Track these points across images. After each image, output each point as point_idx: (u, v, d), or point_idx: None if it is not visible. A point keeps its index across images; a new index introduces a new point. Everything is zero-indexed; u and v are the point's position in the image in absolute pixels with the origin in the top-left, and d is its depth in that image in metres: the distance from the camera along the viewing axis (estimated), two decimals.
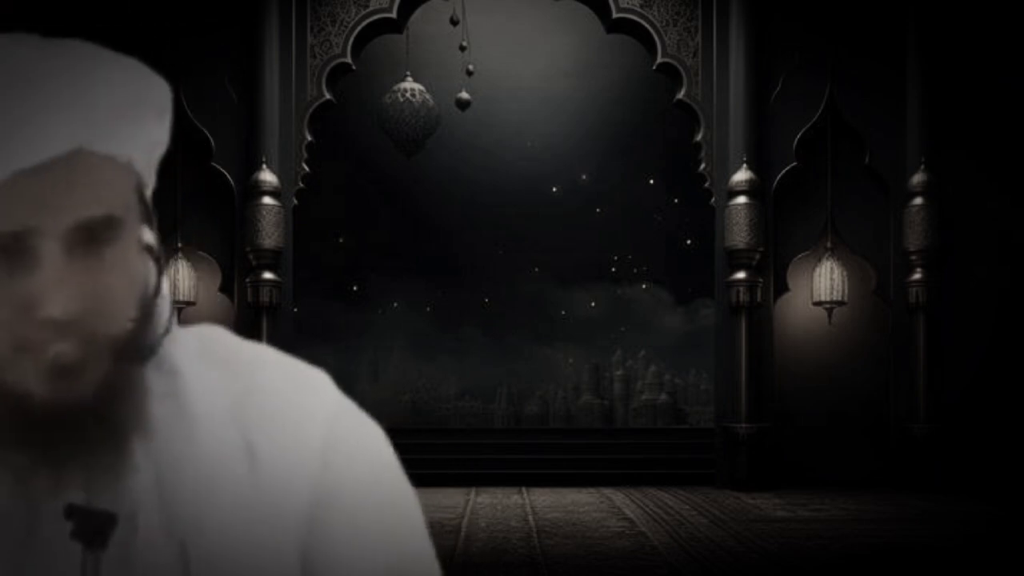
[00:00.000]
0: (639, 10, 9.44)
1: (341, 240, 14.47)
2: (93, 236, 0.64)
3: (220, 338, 0.77)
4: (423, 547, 0.77)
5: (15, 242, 0.62)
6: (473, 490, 9.29)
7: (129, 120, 0.66)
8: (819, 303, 9.34)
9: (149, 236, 0.71)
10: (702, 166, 9.50)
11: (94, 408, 0.65)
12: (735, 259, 9.16)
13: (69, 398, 0.64)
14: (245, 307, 9.13)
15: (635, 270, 14.87)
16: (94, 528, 0.64)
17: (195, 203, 9.27)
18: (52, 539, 0.65)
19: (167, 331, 0.71)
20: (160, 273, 0.72)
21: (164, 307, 0.72)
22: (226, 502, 0.68)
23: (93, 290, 0.64)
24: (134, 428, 0.67)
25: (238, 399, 0.72)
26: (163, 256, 0.72)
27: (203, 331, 0.77)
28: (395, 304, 14.66)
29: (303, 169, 9.37)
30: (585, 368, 14.40)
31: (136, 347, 0.67)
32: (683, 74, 9.43)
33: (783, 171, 9.30)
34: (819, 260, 9.36)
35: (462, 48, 9.56)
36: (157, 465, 0.68)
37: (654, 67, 9.60)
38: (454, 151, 13.07)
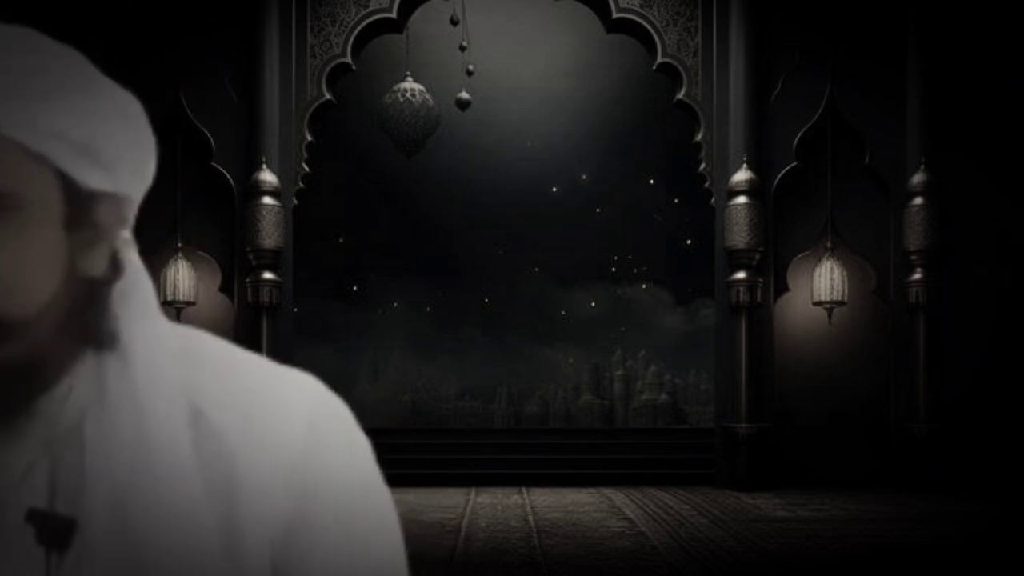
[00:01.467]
0: (639, 10, 9.44)
1: (341, 240, 14.47)
2: None
3: (205, 341, 0.77)
4: (398, 558, 0.77)
5: None
6: (473, 490, 9.29)
7: (49, 112, 0.66)
8: (819, 303, 9.34)
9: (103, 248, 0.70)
10: (702, 166, 9.50)
11: None
12: (735, 259, 9.16)
13: None
14: (245, 307, 9.13)
15: (635, 270, 14.87)
16: (54, 532, 0.63)
17: (195, 203, 9.27)
18: (14, 539, 0.65)
19: (109, 341, 0.71)
20: (114, 277, 0.72)
21: (112, 312, 0.71)
22: (186, 509, 0.68)
23: None
24: (27, 420, 0.67)
25: (215, 400, 0.72)
26: (121, 267, 0.72)
27: (190, 333, 0.77)
28: (395, 304, 14.66)
29: (303, 169, 9.37)
30: (585, 368, 14.40)
31: (32, 340, 0.66)
32: (683, 74, 9.43)
33: (783, 171, 9.31)
34: (819, 260, 9.36)
35: (462, 48, 9.56)
36: (110, 470, 0.67)
37: (654, 67, 9.60)
38: (454, 151, 13.07)
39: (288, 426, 0.73)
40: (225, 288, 9.36)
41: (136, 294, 0.73)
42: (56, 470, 0.67)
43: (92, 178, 0.69)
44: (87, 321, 0.70)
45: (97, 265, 0.70)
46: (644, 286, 14.85)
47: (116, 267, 0.72)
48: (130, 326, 0.72)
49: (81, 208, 0.69)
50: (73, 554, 0.65)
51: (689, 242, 13.96)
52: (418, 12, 9.69)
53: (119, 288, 0.72)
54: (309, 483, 0.72)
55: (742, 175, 9.08)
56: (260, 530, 0.70)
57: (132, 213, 0.73)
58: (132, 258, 0.73)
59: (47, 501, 0.66)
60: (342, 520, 0.73)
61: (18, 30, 0.67)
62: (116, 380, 0.70)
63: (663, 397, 14.03)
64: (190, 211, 9.27)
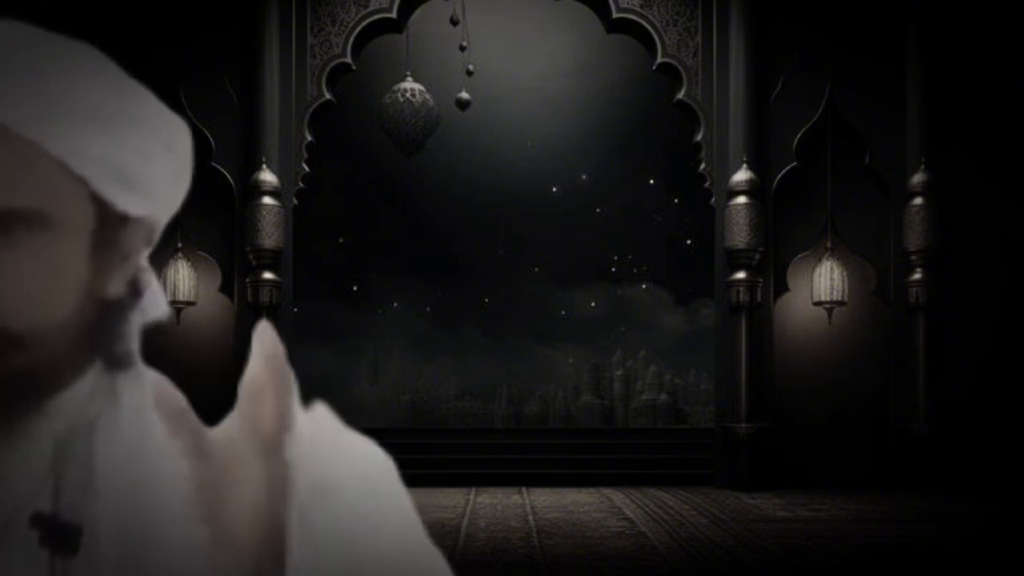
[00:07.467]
0: (639, 10, 9.44)
1: (341, 240, 14.46)
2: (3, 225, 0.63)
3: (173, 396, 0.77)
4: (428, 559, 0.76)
5: None
6: (473, 490, 9.29)
7: (95, 125, 0.66)
8: (819, 303, 9.34)
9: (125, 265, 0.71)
10: (702, 166, 9.50)
11: None
12: (735, 259, 9.16)
13: None
14: (245, 307, 9.13)
15: (635, 270, 14.86)
16: (59, 537, 0.64)
17: (195, 203, 9.18)
18: (17, 543, 0.65)
19: (125, 361, 0.71)
20: (132, 299, 0.72)
21: (122, 331, 0.72)
22: (184, 521, 0.68)
23: None
24: (36, 421, 0.67)
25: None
26: (140, 289, 0.72)
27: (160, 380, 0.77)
28: (395, 304, 14.65)
29: (303, 169, 9.37)
30: (585, 368, 14.38)
31: (50, 352, 0.66)
32: (683, 74, 9.43)
33: (783, 171, 9.31)
34: (819, 260, 9.36)
35: (462, 48, 9.55)
36: (117, 478, 0.67)
37: (654, 67, 9.60)
38: (454, 151, 13.06)
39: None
40: (225, 288, 9.36)
41: (152, 317, 0.74)
42: (62, 475, 0.67)
43: (127, 203, 0.69)
44: (103, 339, 0.70)
45: (117, 286, 0.71)
46: (644, 286, 14.84)
47: (135, 289, 0.72)
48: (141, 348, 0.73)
49: (111, 230, 0.69)
50: (80, 559, 0.65)
51: (689, 242, 13.96)
52: (418, 12, 9.69)
53: (137, 309, 0.73)
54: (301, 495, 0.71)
55: (742, 175, 9.08)
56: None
57: (157, 236, 0.74)
58: (151, 280, 0.74)
59: (52, 505, 0.66)
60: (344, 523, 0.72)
61: (76, 45, 0.67)
62: (128, 396, 0.70)
63: (663, 397, 14.02)
64: (190, 211, 9.22)
